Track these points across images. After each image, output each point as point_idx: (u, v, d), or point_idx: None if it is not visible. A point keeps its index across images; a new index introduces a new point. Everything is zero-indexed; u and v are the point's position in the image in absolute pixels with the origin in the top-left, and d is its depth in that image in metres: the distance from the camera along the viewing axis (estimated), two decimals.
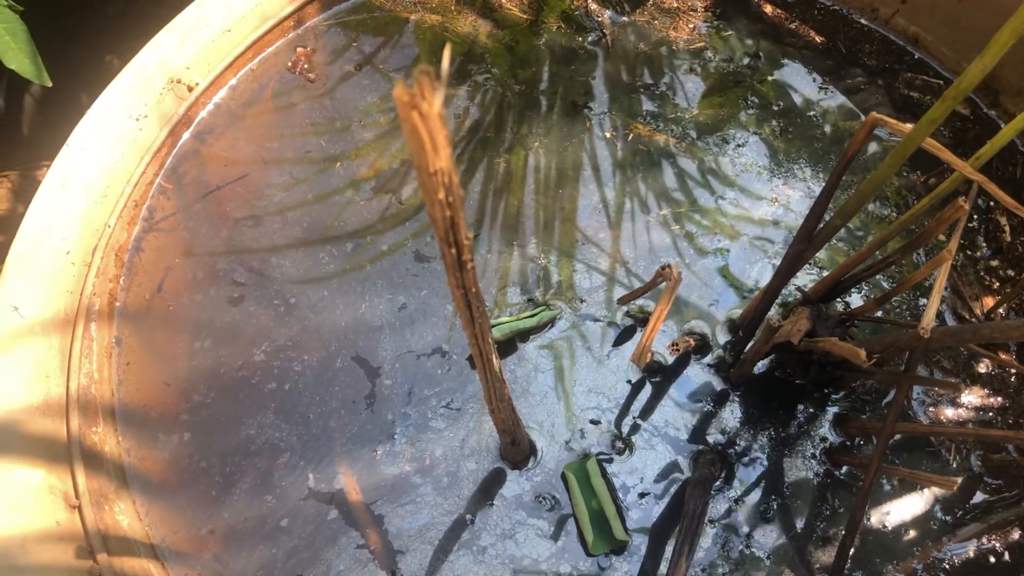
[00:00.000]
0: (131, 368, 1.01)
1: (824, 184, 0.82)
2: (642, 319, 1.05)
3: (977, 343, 0.89)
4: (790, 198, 1.15)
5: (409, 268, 1.08)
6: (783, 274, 0.90)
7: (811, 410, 1.01)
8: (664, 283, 0.78)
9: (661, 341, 1.03)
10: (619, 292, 1.06)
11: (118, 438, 0.97)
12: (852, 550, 0.90)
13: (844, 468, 0.98)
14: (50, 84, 1.11)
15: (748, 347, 0.97)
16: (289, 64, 1.23)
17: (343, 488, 0.94)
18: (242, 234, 1.10)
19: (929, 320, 0.76)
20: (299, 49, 1.24)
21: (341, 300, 1.06)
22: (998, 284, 1.09)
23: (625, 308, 1.05)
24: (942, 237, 1.12)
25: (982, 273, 1.10)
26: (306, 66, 1.23)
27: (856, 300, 1.08)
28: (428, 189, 0.47)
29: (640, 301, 1.06)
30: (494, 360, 0.70)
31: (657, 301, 0.87)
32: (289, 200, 1.13)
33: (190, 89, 1.14)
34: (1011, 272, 1.11)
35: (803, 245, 0.88)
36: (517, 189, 1.15)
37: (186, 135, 1.16)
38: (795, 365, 0.99)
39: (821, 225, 0.85)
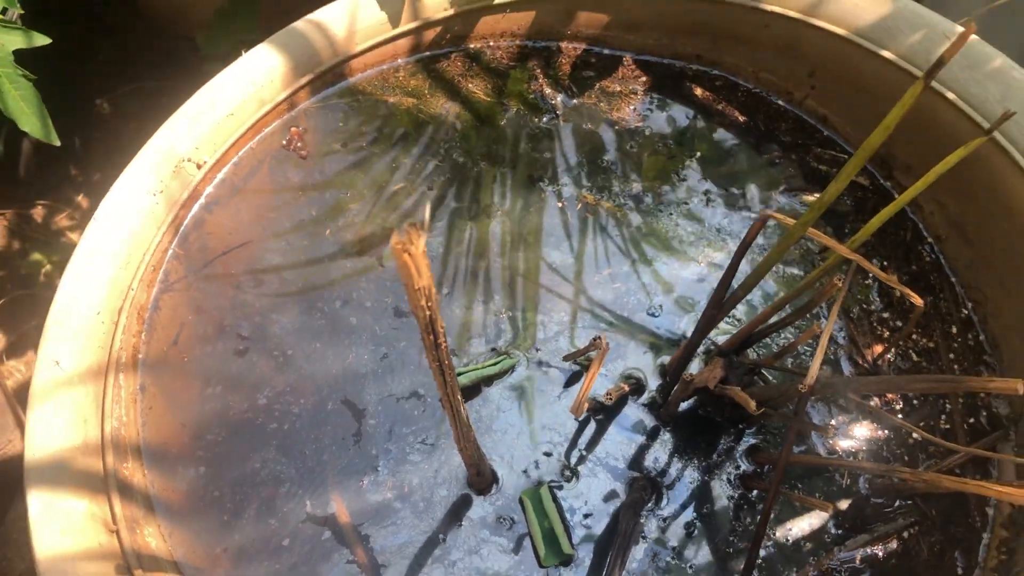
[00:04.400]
0: (153, 412, 1.18)
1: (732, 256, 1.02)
2: (587, 366, 1.24)
3: (851, 393, 1.09)
4: (714, 259, 1.35)
5: (390, 323, 1.26)
6: (700, 331, 1.10)
7: (729, 443, 1.21)
8: (595, 351, 0.97)
9: (602, 384, 1.23)
10: (567, 341, 1.26)
11: (144, 472, 1.14)
12: (759, 560, 1.09)
13: (755, 492, 1.17)
14: (59, 143, 1.30)
15: (673, 391, 1.16)
16: (284, 142, 1.42)
17: (335, 512, 1.12)
18: (245, 293, 1.28)
19: (812, 375, 0.95)
20: (292, 129, 1.43)
21: (331, 351, 1.24)
22: (887, 333, 1.30)
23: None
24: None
25: (875, 323, 1.31)
26: (299, 144, 1.41)
27: (770, 350, 1.28)
28: (414, 299, 0.66)
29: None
30: (462, 410, 0.89)
31: (589, 367, 1.06)
32: (285, 263, 1.31)
33: (199, 167, 1.32)
34: (899, 322, 1.31)
35: (714, 310, 1.08)
36: (482, 252, 1.34)
37: (195, 207, 1.34)
38: (713, 405, 1.19)
39: (728, 294, 1.05)
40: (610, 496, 1.15)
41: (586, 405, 1.00)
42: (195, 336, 1.25)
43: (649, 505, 1.15)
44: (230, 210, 1.36)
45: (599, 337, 0.95)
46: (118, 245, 1.21)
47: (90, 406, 1.10)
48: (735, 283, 1.06)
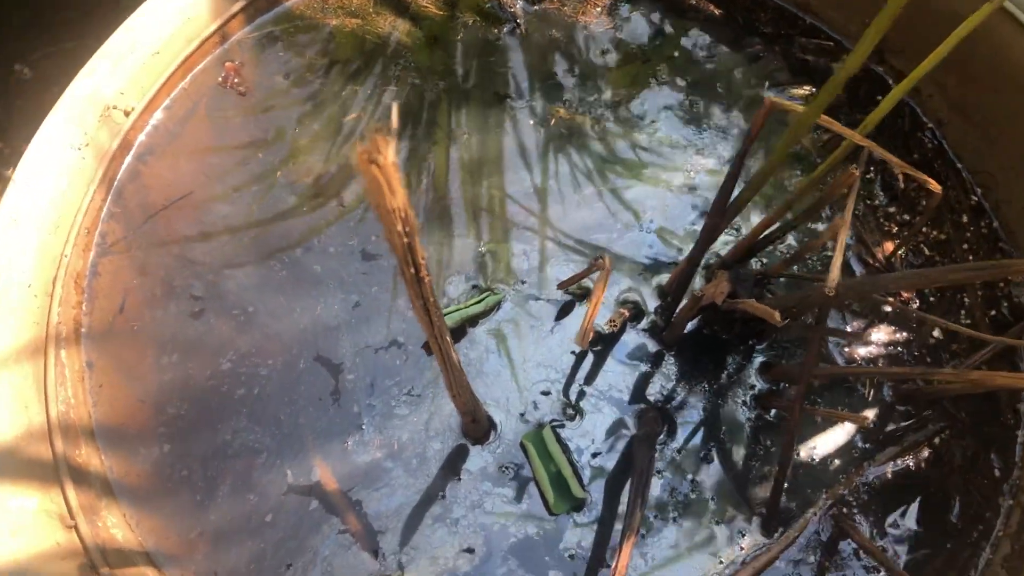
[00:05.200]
0: (104, 389, 1.06)
1: (733, 157, 0.91)
2: (580, 295, 1.13)
3: (878, 293, 0.99)
4: (704, 167, 1.24)
5: (358, 267, 1.14)
6: (701, 244, 1.00)
7: (739, 361, 1.11)
8: (598, 271, 0.86)
9: (601, 315, 1.12)
10: (556, 270, 1.15)
11: (100, 456, 1.02)
12: (785, 484, 1.00)
13: (773, 411, 1.08)
14: None
15: (677, 311, 1.06)
16: (220, 80, 1.27)
17: (320, 480, 1.02)
18: (193, 249, 1.15)
19: (834, 278, 0.85)
20: (227, 64, 1.28)
21: (298, 304, 1.12)
22: (896, 228, 1.20)
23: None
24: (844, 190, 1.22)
25: (881, 220, 1.21)
26: (236, 80, 1.27)
27: (775, 258, 1.18)
28: (388, 223, 0.54)
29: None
30: (452, 354, 0.78)
31: (592, 289, 0.95)
32: (235, 213, 1.18)
33: (126, 114, 1.18)
34: (907, 216, 1.22)
35: (717, 219, 0.97)
36: (449, 181, 1.21)
37: (128, 159, 1.20)
38: (720, 323, 1.09)
39: (731, 199, 0.94)
40: (618, 431, 1.06)
41: (591, 334, 0.89)
42: (143, 301, 1.12)
43: (661, 437, 1.06)
44: (167, 159, 1.22)
45: (601, 257, 0.84)
46: (44, 208, 1.07)
47: (30, 389, 0.98)
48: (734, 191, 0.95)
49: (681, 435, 1.06)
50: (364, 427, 1.05)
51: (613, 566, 0.86)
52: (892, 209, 1.23)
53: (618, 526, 1.00)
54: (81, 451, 1.00)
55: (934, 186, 0.92)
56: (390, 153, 0.48)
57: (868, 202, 1.23)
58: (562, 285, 1.09)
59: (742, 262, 1.06)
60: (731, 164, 0.90)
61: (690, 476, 1.04)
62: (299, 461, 1.02)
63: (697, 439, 1.06)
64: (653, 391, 1.09)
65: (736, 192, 0.93)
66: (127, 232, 1.16)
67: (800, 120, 0.84)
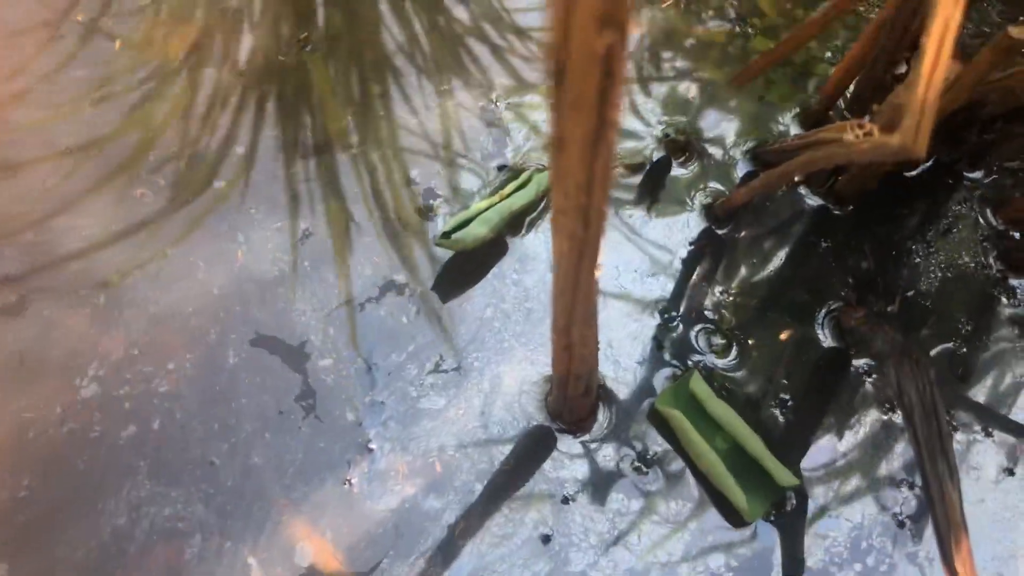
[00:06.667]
0: None
1: None
2: (680, 145, 0.67)
3: None
4: None
5: (297, 173, 0.65)
6: None
7: (957, 200, 0.68)
8: None
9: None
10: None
11: None
12: None
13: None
14: None
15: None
16: None
17: (313, 563, 0.53)
18: None
19: None
20: None
21: (199, 255, 0.63)
22: None
23: (664, 133, 0.67)
24: None
25: None
26: None
27: None
28: None
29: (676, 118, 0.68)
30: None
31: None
32: (56, 119, 0.67)
33: None
34: None
35: None
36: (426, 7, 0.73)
37: None
38: (945, 139, 0.64)
39: None
40: (805, 349, 0.62)
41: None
42: None
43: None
44: None
45: None
46: None
47: None
48: None
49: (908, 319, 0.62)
50: (373, 446, 0.57)
51: None
52: None
53: (871, 518, 0.56)
54: None
55: None
56: None
57: None
58: (738, 79, 0.63)
59: None
60: None
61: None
62: (266, 535, 0.54)
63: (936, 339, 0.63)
64: (837, 273, 0.64)
65: None
66: None
67: None
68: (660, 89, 0.73)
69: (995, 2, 0.78)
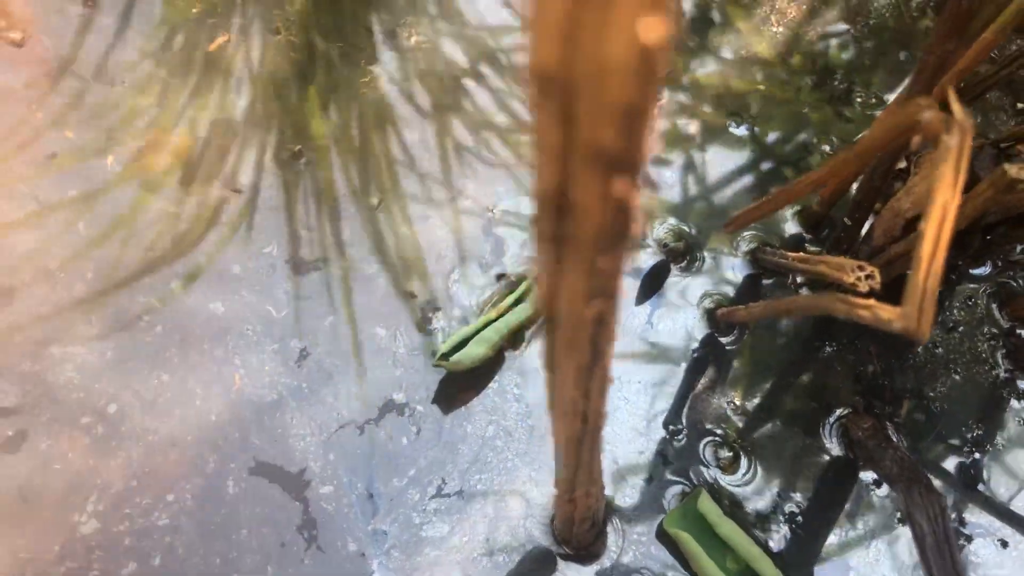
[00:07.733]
0: None
1: None
2: (680, 251, 0.66)
3: None
4: None
5: (289, 288, 0.65)
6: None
7: (967, 293, 0.67)
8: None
9: (697, 283, 0.65)
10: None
11: None
12: None
13: None
14: None
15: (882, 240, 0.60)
16: None
17: None
18: None
19: None
20: None
21: (193, 377, 0.62)
22: None
23: (662, 243, 0.67)
24: None
25: None
26: (1, 24, 0.74)
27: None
28: None
29: (673, 222, 0.67)
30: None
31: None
32: (49, 243, 0.66)
33: None
34: None
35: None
36: (385, 120, 0.72)
37: None
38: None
39: None
40: (809, 459, 0.61)
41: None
42: None
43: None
44: None
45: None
46: None
47: None
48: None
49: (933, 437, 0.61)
50: None
51: None
52: None
53: None
54: None
55: None
56: None
57: None
58: (731, 225, 0.62)
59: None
60: None
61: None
62: None
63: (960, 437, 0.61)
64: (844, 384, 0.63)
65: None
66: None
67: None
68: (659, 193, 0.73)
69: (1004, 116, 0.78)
